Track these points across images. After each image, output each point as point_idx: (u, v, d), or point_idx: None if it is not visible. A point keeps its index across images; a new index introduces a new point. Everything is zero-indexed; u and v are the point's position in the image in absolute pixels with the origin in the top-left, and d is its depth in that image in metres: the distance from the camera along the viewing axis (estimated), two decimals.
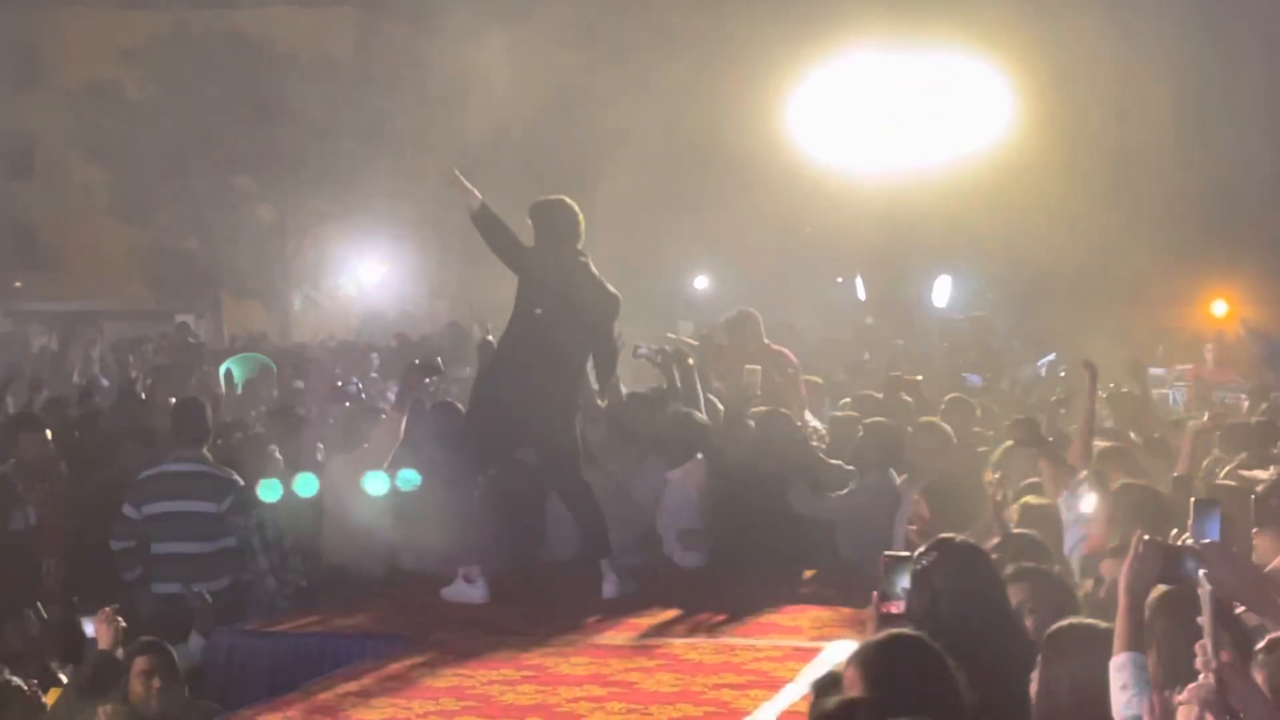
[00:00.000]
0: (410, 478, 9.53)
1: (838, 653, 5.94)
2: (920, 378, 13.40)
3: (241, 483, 9.56)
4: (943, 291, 25.37)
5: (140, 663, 7.64)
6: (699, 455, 10.36)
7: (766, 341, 12.80)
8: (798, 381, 12.19)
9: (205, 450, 9.82)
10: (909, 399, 12.24)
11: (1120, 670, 4.76)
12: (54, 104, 40.07)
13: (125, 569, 9.55)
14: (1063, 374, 16.10)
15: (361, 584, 9.66)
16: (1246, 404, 13.63)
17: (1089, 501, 7.60)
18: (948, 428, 10.16)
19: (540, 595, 9.38)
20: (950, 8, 23.28)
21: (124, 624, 7.34)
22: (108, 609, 7.33)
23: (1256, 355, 17.96)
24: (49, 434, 10.36)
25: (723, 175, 25.89)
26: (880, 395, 12.36)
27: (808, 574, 9.81)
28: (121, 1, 39.74)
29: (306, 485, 9.73)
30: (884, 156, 23.60)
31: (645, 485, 10.45)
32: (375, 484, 9.62)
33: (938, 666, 4.74)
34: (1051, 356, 17.02)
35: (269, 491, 9.60)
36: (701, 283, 33.02)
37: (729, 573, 9.66)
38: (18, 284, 19.45)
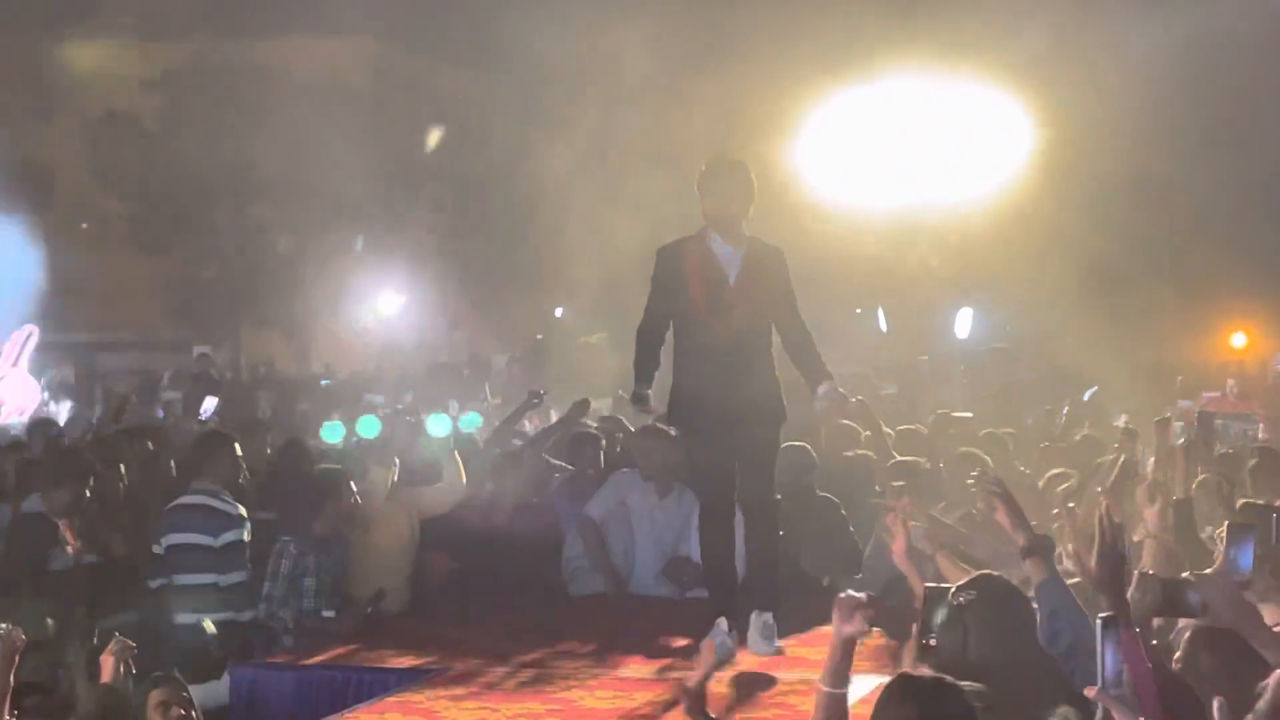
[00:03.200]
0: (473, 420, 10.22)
1: (861, 688, 5.85)
2: (970, 415, 13.36)
3: (244, 518, 9.48)
4: (964, 323, 25.35)
5: (156, 695, 7.59)
6: None
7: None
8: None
9: (219, 482, 9.74)
10: (953, 432, 12.23)
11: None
12: (72, 135, 40.24)
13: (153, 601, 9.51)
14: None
15: (385, 617, 9.62)
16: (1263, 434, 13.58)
17: None
18: (987, 458, 10.16)
19: (562, 628, 9.32)
20: (971, 44, 23.27)
21: (130, 659, 7.13)
22: (117, 642, 7.14)
23: None
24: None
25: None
26: (925, 430, 12.35)
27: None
28: (139, 33, 39.86)
29: (441, 424, 10.33)
30: (906, 191, 23.65)
31: (668, 516, 10.43)
32: (438, 425, 10.66)
33: (952, 712, 4.68)
34: (1094, 389, 17.00)
35: (331, 433, 9.92)
36: None
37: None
38: (31, 329, 19.47)
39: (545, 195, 29.20)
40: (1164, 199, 27.35)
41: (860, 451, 11.19)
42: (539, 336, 26.30)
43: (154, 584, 9.37)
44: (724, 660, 7.75)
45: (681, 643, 8.78)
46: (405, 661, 8.58)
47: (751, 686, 7.47)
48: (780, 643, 8.16)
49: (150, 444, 12.24)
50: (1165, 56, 25.07)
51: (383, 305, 37.19)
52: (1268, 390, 20.42)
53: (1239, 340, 26.36)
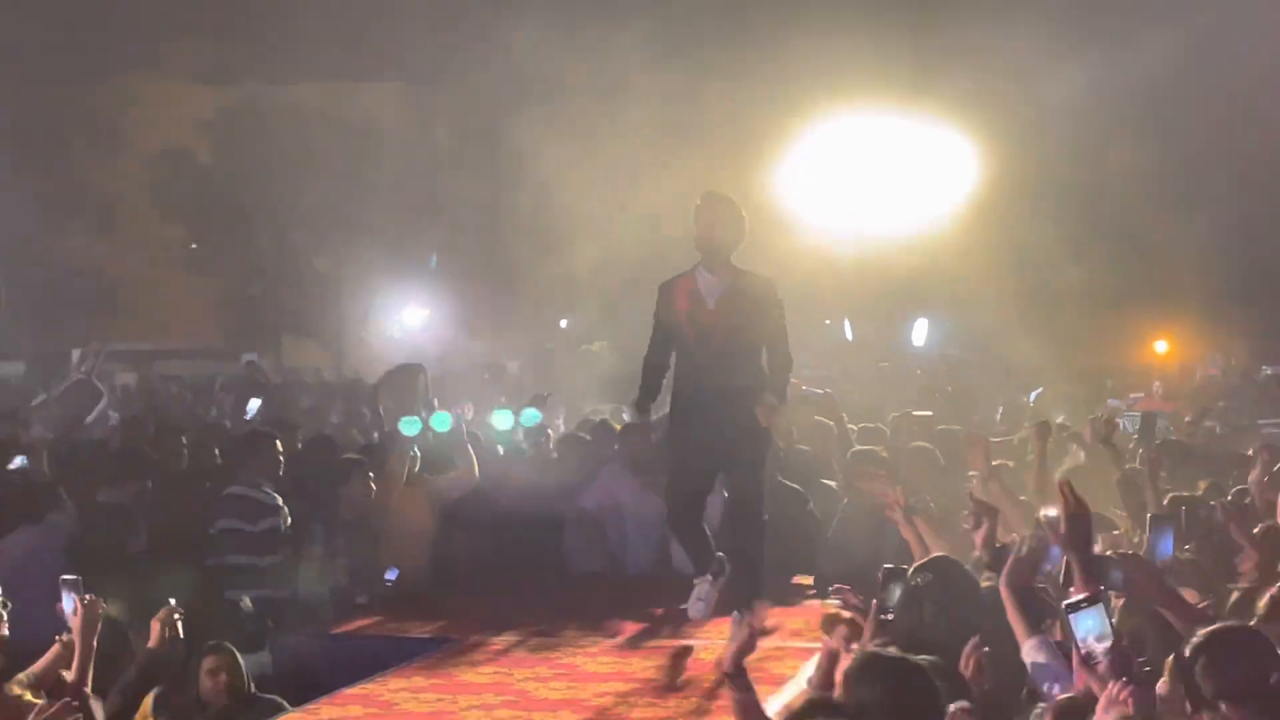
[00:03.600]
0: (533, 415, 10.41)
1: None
2: (930, 413, 13.33)
3: (280, 507, 9.48)
4: (920, 332, 25.35)
5: (208, 662, 7.60)
6: None
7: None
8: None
9: (261, 476, 9.73)
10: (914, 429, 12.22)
11: (1036, 651, 4.94)
12: (134, 168, 40.20)
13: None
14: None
15: (412, 593, 9.63)
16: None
17: None
18: (937, 452, 10.21)
19: (565, 603, 9.34)
20: (926, 86, 23.28)
21: (178, 625, 7.05)
22: (165, 609, 7.06)
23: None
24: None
25: None
26: (887, 430, 12.35)
27: (805, 580, 9.77)
28: (195, 76, 39.84)
29: (442, 421, 10.39)
30: (870, 216, 23.69)
31: (656, 503, 10.46)
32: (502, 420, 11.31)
33: (914, 685, 4.60)
34: (1039, 390, 17.01)
35: (410, 427, 10.44)
36: None
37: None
38: (97, 340, 19.44)
39: (552, 222, 29.19)
40: (1098, 223, 27.34)
41: (802, 447, 11.13)
42: (549, 345, 26.31)
43: (209, 563, 9.38)
44: (701, 618, 8.02)
45: (671, 615, 8.83)
46: (427, 632, 8.61)
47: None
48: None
49: (203, 441, 12.28)
50: (1099, 96, 25.08)
51: (408, 317, 37.12)
52: (1195, 390, 20.41)
53: (1161, 347, 26.37)
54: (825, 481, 10.48)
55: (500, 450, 12.00)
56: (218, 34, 37.71)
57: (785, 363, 8.22)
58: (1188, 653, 4.26)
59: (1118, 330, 26.80)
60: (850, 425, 11.87)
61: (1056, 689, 4.74)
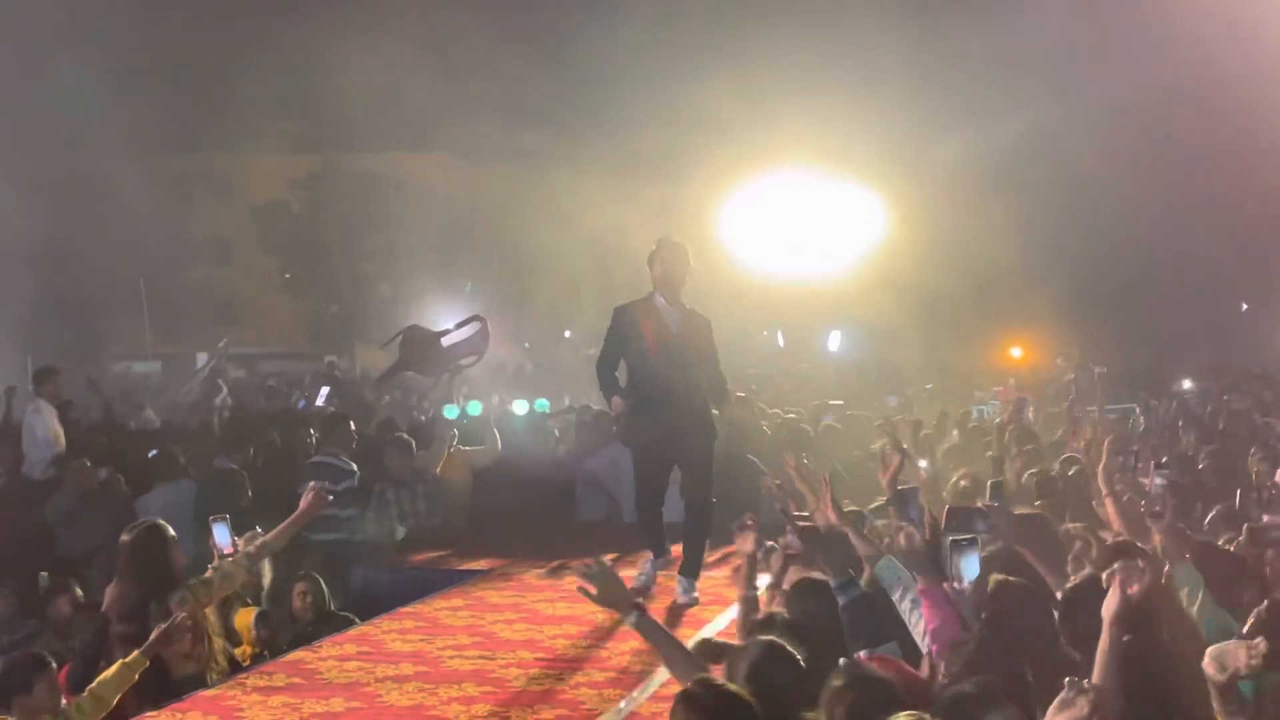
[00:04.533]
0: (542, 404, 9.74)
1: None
2: (841, 402, 13.31)
3: (354, 471, 9.46)
4: (835, 340, 25.35)
5: (298, 586, 7.58)
6: None
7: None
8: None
9: (339, 448, 9.71)
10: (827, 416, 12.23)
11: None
12: (244, 216, 40.14)
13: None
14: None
15: (452, 535, 9.63)
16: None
17: None
18: (842, 429, 10.26)
19: (572, 543, 9.32)
20: (839, 148, 23.30)
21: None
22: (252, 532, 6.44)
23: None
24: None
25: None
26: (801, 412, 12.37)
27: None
28: (288, 147, 39.81)
29: (474, 408, 10.34)
30: (799, 250, 23.74)
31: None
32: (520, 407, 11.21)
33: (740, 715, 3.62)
34: (930, 385, 16.95)
35: (451, 412, 10.51)
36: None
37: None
38: (224, 340, 19.40)
39: (559, 258, 29.20)
40: (969, 257, 27.38)
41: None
42: (557, 350, 26.27)
43: None
44: (646, 587, 7.44)
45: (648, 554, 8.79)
46: (464, 565, 8.58)
47: (678, 610, 7.22)
48: (698, 586, 7.51)
49: (294, 423, 12.26)
50: (971, 164, 25.11)
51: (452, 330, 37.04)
52: (1044, 383, 20.33)
53: (1017, 352, 26.43)
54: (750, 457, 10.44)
55: (518, 430, 11.97)
56: (305, 114, 37.67)
57: (722, 379, 7.85)
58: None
59: (982, 340, 26.85)
60: (776, 410, 11.97)
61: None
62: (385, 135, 36.57)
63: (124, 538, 6.00)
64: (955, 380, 18.73)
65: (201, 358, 18.40)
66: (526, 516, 10.21)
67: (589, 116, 24.68)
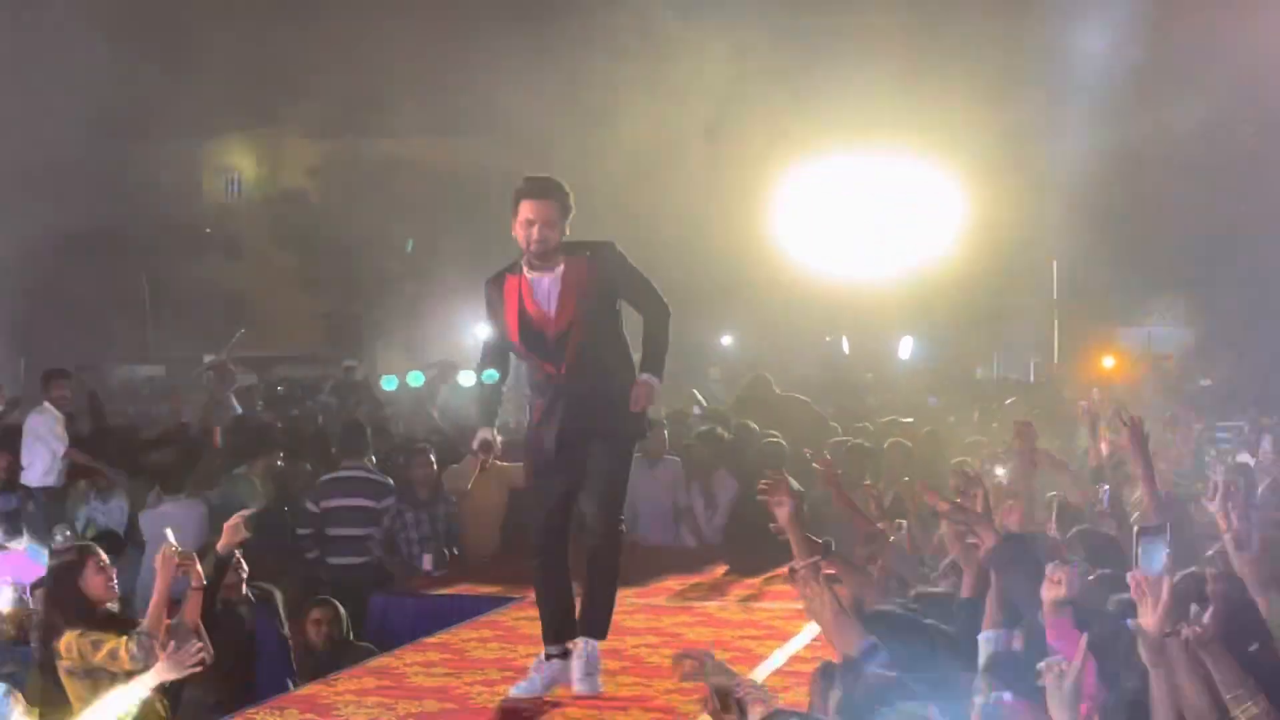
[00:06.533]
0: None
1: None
2: (911, 420, 13.31)
3: (394, 486, 9.56)
4: (906, 348, 25.23)
5: (314, 613, 7.67)
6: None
7: (779, 391, 13.24)
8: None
9: (366, 459, 9.83)
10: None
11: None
12: (258, 207, 40.54)
13: (307, 549, 9.57)
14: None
15: (480, 562, 9.67)
16: None
17: None
18: (909, 445, 10.28)
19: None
20: (920, 143, 23.16)
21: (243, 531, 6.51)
22: (239, 517, 6.53)
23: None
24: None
25: (747, 265, 25.72)
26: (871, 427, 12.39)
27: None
28: (306, 132, 40.16)
29: (415, 378, 10.26)
30: (867, 251, 23.71)
31: (658, 481, 10.52)
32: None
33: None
34: (1013, 399, 16.90)
35: (389, 383, 9.89)
36: (727, 339, 32.99)
37: (747, 552, 9.52)
38: (242, 330, 19.59)
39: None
40: (1062, 252, 27.17)
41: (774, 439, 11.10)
42: None
43: (329, 532, 9.44)
44: (532, 693, 6.04)
45: (687, 582, 8.83)
46: (494, 591, 8.63)
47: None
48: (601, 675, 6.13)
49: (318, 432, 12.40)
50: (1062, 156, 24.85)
51: (479, 331, 37.23)
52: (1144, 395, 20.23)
53: (1109, 361, 26.22)
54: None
55: None
56: (324, 93, 37.96)
57: (660, 322, 6.09)
58: None
59: (1070, 347, 26.67)
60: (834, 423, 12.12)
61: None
62: (415, 117, 36.81)
63: (50, 560, 6.17)
64: (1040, 392, 18.61)
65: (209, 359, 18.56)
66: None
67: (635, 95, 24.66)
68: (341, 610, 7.60)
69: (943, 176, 23.38)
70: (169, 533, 6.14)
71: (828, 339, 28.21)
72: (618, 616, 6.52)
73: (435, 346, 38.34)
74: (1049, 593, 4.08)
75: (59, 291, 30.70)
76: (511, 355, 6.33)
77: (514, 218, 6.09)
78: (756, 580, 8.80)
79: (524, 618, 7.84)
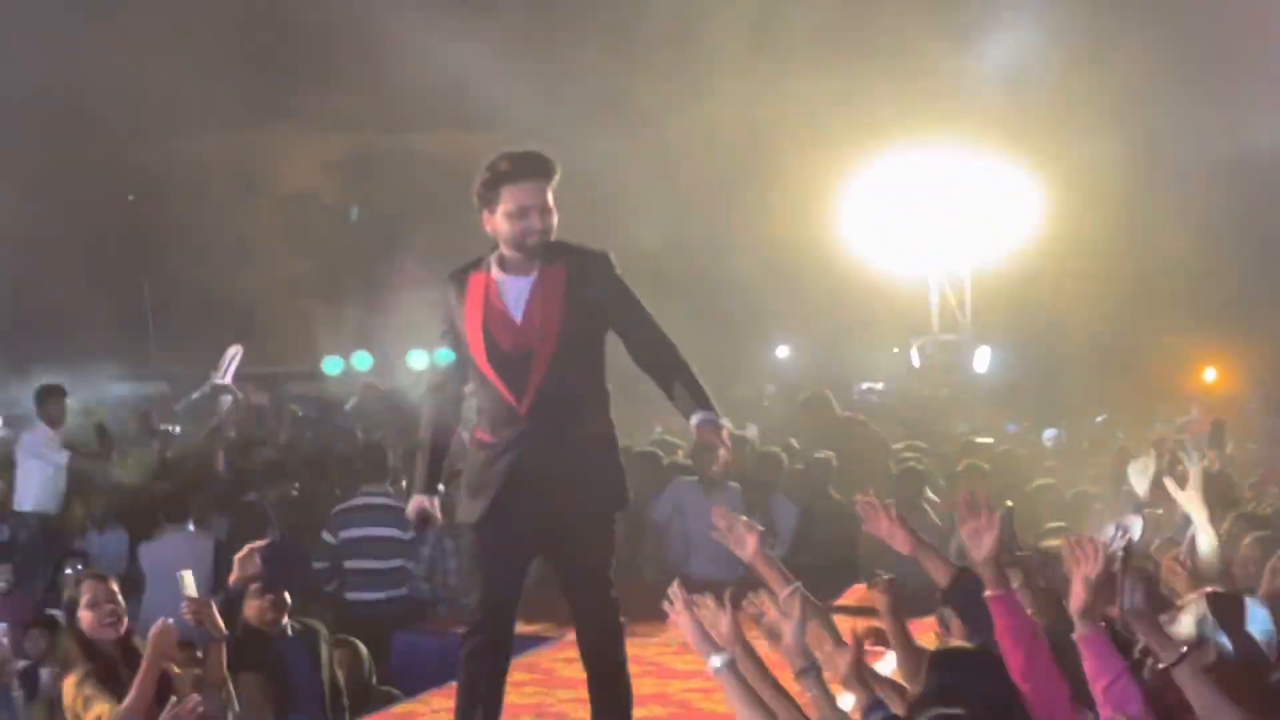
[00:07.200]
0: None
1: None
2: (990, 440, 13.32)
3: None
4: (983, 360, 25.10)
5: (335, 655, 7.70)
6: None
7: (840, 411, 13.23)
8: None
9: (388, 485, 9.90)
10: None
11: None
12: (267, 209, 40.83)
13: (324, 583, 9.64)
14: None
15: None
16: None
17: None
18: (986, 466, 10.28)
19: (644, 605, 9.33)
20: (998, 136, 23.05)
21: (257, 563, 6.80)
22: (251, 548, 6.84)
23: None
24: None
25: (800, 266, 25.73)
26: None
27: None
28: (321, 126, 40.46)
29: (363, 360, 10.26)
30: (939, 248, 23.63)
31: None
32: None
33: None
34: (1104, 415, 16.82)
35: (332, 366, 9.90)
36: (783, 351, 32.92)
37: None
38: (238, 349, 19.70)
39: (649, 258, 29.21)
40: (1153, 259, 26.98)
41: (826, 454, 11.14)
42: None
43: (348, 565, 9.49)
44: None
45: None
46: (530, 630, 8.63)
47: None
48: None
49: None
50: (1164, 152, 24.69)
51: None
52: (1240, 411, 20.15)
53: (1210, 374, 26.03)
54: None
55: None
56: (340, 85, 38.23)
57: (669, 348, 5.40)
58: None
59: (1165, 359, 26.46)
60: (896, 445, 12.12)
61: None
62: (438, 110, 37.03)
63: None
64: (1129, 409, 18.52)
65: (217, 377, 18.72)
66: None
67: (678, 90, 24.74)
68: (363, 650, 7.64)
69: (1022, 167, 23.28)
70: (187, 579, 6.15)
71: (895, 350, 28.12)
72: (663, 656, 6.45)
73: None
74: None
75: (52, 300, 31.04)
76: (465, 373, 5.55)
77: (490, 208, 5.51)
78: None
79: (560, 659, 7.87)
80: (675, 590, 4.75)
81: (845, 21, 24.01)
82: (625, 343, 5.40)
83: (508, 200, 5.43)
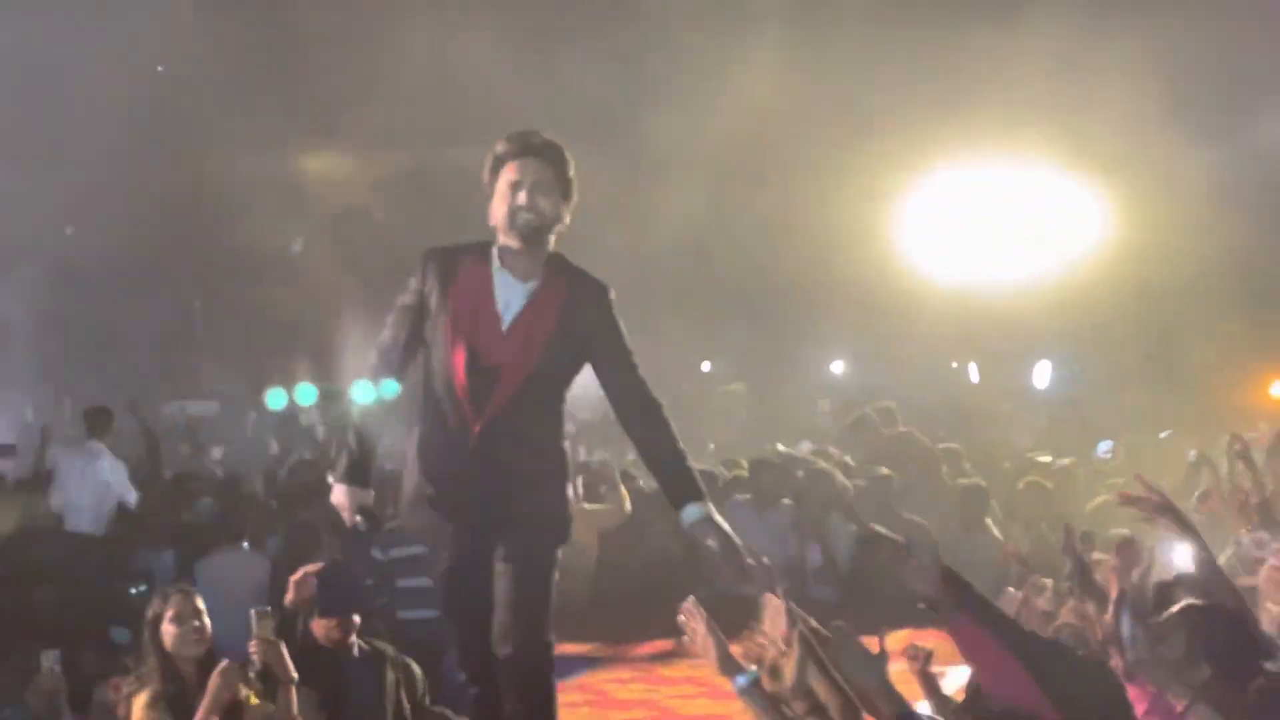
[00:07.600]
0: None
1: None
2: (1049, 458, 13.27)
3: None
4: (1043, 375, 24.99)
5: (390, 674, 7.75)
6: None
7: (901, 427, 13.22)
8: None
9: None
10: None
11: None
12: (316, 226, 41.07)
13: (374, 600, 9.70)
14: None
15: (568, 616, 9.71)
16: None
17: None
18: (1048, 484, 10.27)
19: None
20: (1055, 141, 22.94)
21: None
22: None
23: None
24: None
25: (853, 280, 25.66)
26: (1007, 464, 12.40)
27: None
28: (373, 142, 40.70)
29: (306, 395, 10.23)
30: (993, 264, 23.52)
31: (769, 528, 10.56)
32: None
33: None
34: (1169, 431, 16.73)
35: (275, 400, 10.16)
36: (838, 367, 32.83)
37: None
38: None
39: (699, 267, 29.28)
40: (1220, 272, 26.74)
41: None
42: (685, 387, 26.49)
43: (399, 584, 9.55)
44: None
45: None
46: (585, 650, 8.67)
47: None
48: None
49: None
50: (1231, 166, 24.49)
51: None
52: None
53: (1278, 389, 25.73)
54: None
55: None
56: (390, 99, 38.42)
57: (659, 416, 5.07)
58: None
59: (1232, 372, 26.19)
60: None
61: None
62: (490, 124, 37.27)
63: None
64: (1194, 425, 18.32)
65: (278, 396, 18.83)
66: (652, 591, 10.28)
67: (733, 97, 24.74)
68: (417, 670, 7.68)
69: (1086, 177, 23.14)
70: (260, 620, 6.19)
71: (954, 365, 28.01)
72: (713, 680, 6.50)
73: None
74: None
75: (104, 322, 31.35)
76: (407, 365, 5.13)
77: (491, 189, 5.17)
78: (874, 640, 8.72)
79: (614, 680, 7.90)
80: (690, 607, 4.74)
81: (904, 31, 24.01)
82: (605, 388, 5.08)
83: (501, 179, 5.23)
